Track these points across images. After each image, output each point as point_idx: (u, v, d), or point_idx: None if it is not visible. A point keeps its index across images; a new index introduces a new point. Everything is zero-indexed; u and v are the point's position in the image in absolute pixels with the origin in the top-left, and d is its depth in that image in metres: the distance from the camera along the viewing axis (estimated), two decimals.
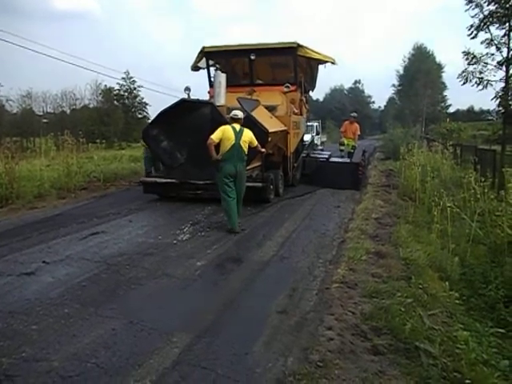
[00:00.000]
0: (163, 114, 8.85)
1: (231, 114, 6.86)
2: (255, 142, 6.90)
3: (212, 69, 11.22)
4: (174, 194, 8.91)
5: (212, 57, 11.34)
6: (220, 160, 6.55)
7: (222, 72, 8.98)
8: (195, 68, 11.87)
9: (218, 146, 6.58)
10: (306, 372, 2.85)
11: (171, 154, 9.00)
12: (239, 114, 6.86)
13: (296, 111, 10.97)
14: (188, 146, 8.77)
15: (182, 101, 8.75)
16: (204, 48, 11.06)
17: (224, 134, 6.54)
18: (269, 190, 8.77)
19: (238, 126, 6.67)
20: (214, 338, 3.32)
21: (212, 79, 10.40)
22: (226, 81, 8.74)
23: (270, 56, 11.43)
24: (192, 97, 9.61)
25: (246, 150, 6.68)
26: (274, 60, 11.96)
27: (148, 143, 9.30)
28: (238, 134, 6.58)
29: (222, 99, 8.60)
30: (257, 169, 8.67)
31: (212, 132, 6.64)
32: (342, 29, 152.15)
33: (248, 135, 6.73)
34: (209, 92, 11.05)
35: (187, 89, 9.54)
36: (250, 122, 7.39)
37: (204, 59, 11.32)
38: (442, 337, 3.42)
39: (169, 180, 8.86)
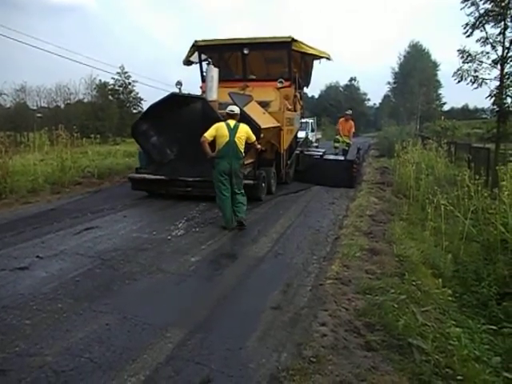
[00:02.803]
0: (153, 109, 8.65)
1: (227, 110, 6.70)
2: (253, 138, 6.75)
3: (204, 63, 11.00)
4: (163, 191, 8.69)
5: (204, 51, 11.11)
6: (215, 157, 6.44)
7: (215, 66, 8.79)
8: (187, 62, 11.63)
9: (214, 142, 6.46)
10: (299, 367, 2.86)
11: (161, 149, 8.79)
12: (235, 109, 6.71)
13: (290, 107, 10.79)
14: (178, 141, 8.58)
15: (172, 95, 8.53)
16: (196, 42, 10.85)
17: (218, 131, 6.41)
18: (261, 187, 8.61)
19: (232, 122, 6.52)
20: (207, 333, 3.32)
21: (204, 74, 10.18)
22: (218, 75, 8.55)
23: (263, 50, 11.22)
24: (184, 92, 9.41)
25: (242, 146, 6.53)
26: (268, 55, 11.75)
27: (137, 139, 9.05)
28: (233, 131, 6.42)
29: (214, 94, 8.38)
30: (249, 166, 8.50)
31: (203, 127, 6.52)
32: (337, 26, 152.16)
33: (243, 130, 6.55)
34: (201, 87, 10.82)
35: (178, 83, 9.30)
36: (241, 118, 7.32)
37: (196, 53, 11.11)
38: (435, 333, 3.44)
39: (158, 177, 8.60)
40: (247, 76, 10.95)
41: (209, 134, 6.40)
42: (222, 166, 6.42)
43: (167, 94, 8.63)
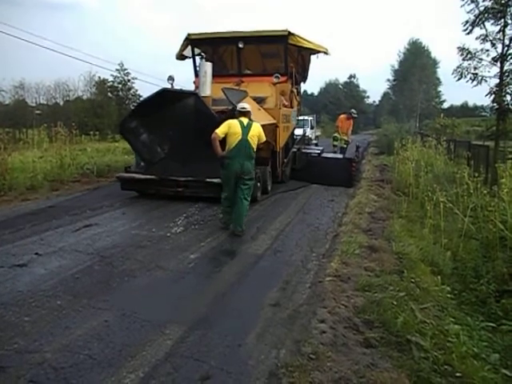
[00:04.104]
0: (143, 105, 8.36)
1: (238, 107, 6.32)
2: (264, 138, 6.36)
3: (198, 58, 10.68)
4: (153, 192, 8.28)
5: (198, 44, 10.76)
6: (225, 157, 6.00)
7: (209, 61, 8.48)
8: (180, 57, 11.29)
9: (223, 141, 6.04)
10: (298, 364, 2.87)
11: (151, 148, 8.43)
12: (247, 106, 6.31)
13: (286, 103, 10.49)
14: (170, 139, 8.26)
15: (163, 90, 8.05)
16: (189, 35, 10.45)
17: (230, 128, 5.96)
18: (256, 187, 8.11)
19: (245, 120, 6.08)
20: (206, 330, 3.32)
21: (198, 68, 9.80)
22: (212, 70, 8.16)
23: (259, 44, 10.91)
24: (177, 87, 8.97)
25: (254, 146, 6.12)
26: (264, 49, 11.39)
27: (125, 136, 8.61)
28: (246, 129, 5.98)
29: (207, 89, 7.99)
30: None
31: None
32: (337, 23, 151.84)
33: (256, 130, 6.14)
34: (194, 82, 10.46)
35: (170, 78, 8.77)
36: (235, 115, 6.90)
37: (189, 47, 10.76)
38: (434, 330, 3.45)
39: (147, 176, 8.16)
40: (242, 71, 10.67)
41: (220, 131, 5.95)
42: (232, 167, 5.98)
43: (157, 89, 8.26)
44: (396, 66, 56.16)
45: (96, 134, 14.85)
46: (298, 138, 12.85)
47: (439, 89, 56.07)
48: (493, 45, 13.61)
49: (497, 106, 13.75)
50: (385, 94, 68.74)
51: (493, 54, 13.68)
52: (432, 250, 5.88)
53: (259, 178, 8.57)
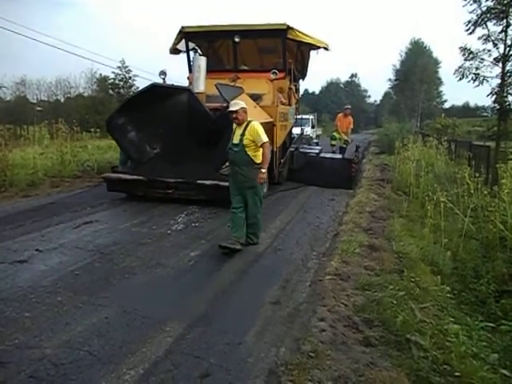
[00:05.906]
0: (131, 101, 7.97)
1: (239, 107, 5.30)
2: None
3: (192, 52, 10.35)
4: (141, 193, 7.83)
5: (192, 38, 10.28)
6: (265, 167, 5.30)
7: (204, 55, 8.15)
8: (174, 51, 10.75)
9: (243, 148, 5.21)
10: (297, 362, 2.87)
11: (139, 146, 7.91)
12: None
13: (284, 101, 10.07)
14: (160, 138, 7.80)
15: (154, 86, 7.67)
16: (183, 28, 9.96)
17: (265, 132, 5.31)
18: None
19: None
20: (206, 327, 3.33)
21: (192, 63, 9.33)
22: (206, 65, 7.84)
23: (256, 39, 10.57)
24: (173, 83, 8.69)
25: None
26: (261, 43, 11.04)
27: (112, 134, 8.07)
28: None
29: (201, 85, 7.67)
30: None
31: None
32: (339, 22, 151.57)
33: None
34: (188, 77, 9.88)
35: (162, 73, 8.45)
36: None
37: (184, 41, 10.27)
38: (433, 330, 3.45)
39: (135, 177, 7.69)
40: (238, 66, 10.28)
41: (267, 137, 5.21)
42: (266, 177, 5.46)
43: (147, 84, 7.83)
44: (398, 66, 56.08)
45: (97, 131, 14.83)
46: (296, 137, 12.49)
47: (440, 89, 56.17)
48: (495, 45, 13.67)
49: (498, 107, 13.77)
50: (386, 94, 68.72)
51: (495, 54, 13.75)
52: (432, 250, 5.88)
53: None
